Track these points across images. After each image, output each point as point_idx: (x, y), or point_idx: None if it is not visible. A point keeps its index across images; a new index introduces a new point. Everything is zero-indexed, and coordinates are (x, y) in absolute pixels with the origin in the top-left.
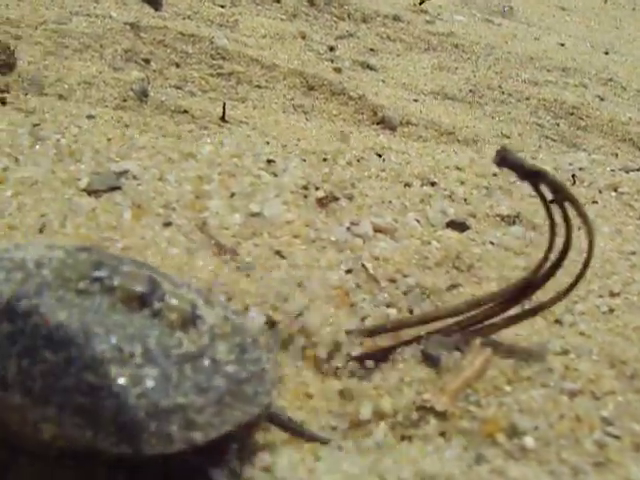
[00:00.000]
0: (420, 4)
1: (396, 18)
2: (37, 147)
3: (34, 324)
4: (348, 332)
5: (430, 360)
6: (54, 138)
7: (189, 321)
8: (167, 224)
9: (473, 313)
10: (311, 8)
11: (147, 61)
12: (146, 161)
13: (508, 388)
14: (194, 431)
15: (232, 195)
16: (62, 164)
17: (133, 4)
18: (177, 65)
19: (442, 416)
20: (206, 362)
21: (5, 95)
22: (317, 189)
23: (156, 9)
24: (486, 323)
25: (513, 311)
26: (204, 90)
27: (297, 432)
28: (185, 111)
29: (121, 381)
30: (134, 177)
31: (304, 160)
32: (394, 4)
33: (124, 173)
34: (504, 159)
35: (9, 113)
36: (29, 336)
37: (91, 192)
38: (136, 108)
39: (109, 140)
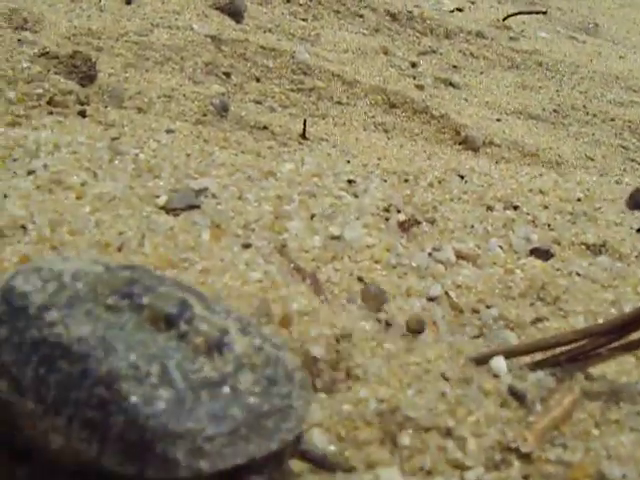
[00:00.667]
0: (504, 20)
1: (479, 34)
2: (116, 162)
3: (57, 334)
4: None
5: (516, 396)
6: (133, 153)
7: (215, 347)
8: (246, 245)
9: (581, 343)
10: (393, 23)
11: (227, 75)
12: (225, 179)
13: (596, 432)
14: (201, 459)
15: (312, 216)
16: (140, 180)
17: (214, 16)
18: (257, 79)
19: (527, 459)
20: (226, 390)
21: (85, 107)
22: (398, 212)
23: (237, 21)
24: (589, 354)
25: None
26: (284, 105)
27: (330, 469)
28: (265, 127)
29: (133, 399)
30: (213, 195)
31: (385, 180)
32: (477, 20)
33: (203, 191)
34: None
35: (89, 126)
36: (50, 345)
37: (169, 210)
38: (216, 123)
39: (188, 156)
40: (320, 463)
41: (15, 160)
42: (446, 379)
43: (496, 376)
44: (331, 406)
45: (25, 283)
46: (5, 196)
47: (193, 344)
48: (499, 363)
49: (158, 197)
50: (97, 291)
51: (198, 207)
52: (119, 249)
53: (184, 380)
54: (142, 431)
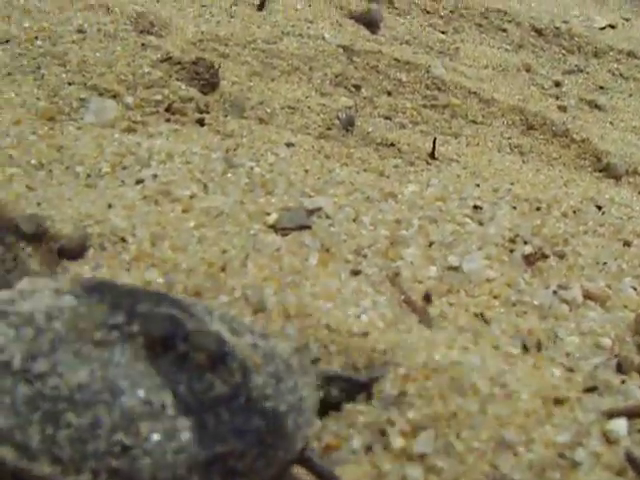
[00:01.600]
0: None
1: (631, 54)
2: (229, 174)
3: (53, 386)
4: None
5: (633, 464)
6: (248, 166)
7: (218, 359)
8: (356, 272)
9: None
10: (539, 39)
11: (357, 87)
12: (342, 199)
13: None
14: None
15: (430, 244)
16: (252, 195)
17: (349, 26)
18: (389, 93)
19: None
20: (242, 401)
21: (204, 115)
22: (525, 243)
23: (372, 32)
24: None
25: None
26: (415, 122)
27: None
28: (392, 144)
29: (155, 437)
30: (327, 216)
31: (514, 208)
32: (631, 38)
33: (317, 211)
34: None
35: (206, 135)
36: (49, 399)
37: (279, 229)
38: (340, 138)
39: (306, 172)
40: (315, 471)
41: (125, 168)
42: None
43: (614, 439)
44: None
45: None
46: (109, 206)
47: (196, 362)
48: (619, 424)
49: (268, 215)
50: (79, 328)
51: (309, 228)
52: (222, 269)
53: (200, 403)
54: (173, 468)
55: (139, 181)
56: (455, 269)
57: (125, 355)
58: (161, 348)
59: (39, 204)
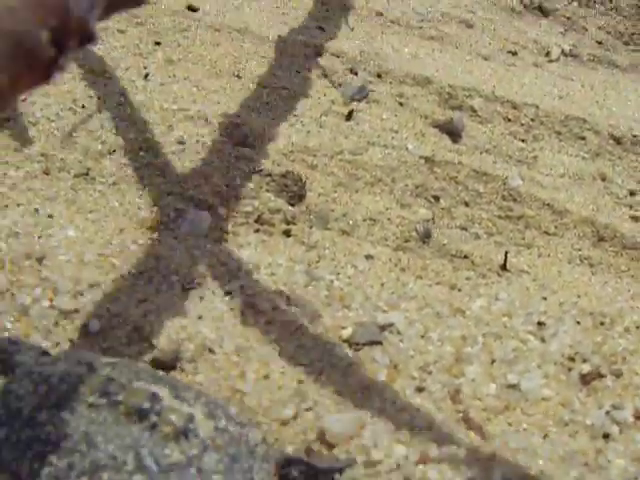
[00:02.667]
0: None
1: None
2: (310, 287)
3: (47, 432)
4: None
5: None
6: (328, 279)
7: (181, 433)
8: (420, 389)
9: None
10: (616, 147)
11: (436, 198)
12: (413, 314)
13: None
14: None
15: (493, 361)
16: (330, 309)
17: (431, 135)
18: (466, 204)
19: None
20: (192, 471)
21: (291, 227)
22: (584, 362)
23: (454, 141)
24: None
25: None
26: (490, 233)
27: None
28: (466, 256)
29: None
30: (398, 332)
31: (578, 322)
32: None
33: (388, 326)
34: None
35: (291, 247)
36: (43, 442)
37: (352, 344)
38: (416, 250)
39: (382, 285)
40: None
41: (215, 278)
42: None
43: None
44: None
45: (19, 388)
46: (200, 317)
47: (163, 432)
48: None
49: (344, 329)
50: (80, 391)
51: (380, 343)
52: (300, 381)
53: (156, 465)
54: None
55: (228, 292)
56: (513, 387)
57: (108, 418)
58: (137, 417)
59: (145, 315)
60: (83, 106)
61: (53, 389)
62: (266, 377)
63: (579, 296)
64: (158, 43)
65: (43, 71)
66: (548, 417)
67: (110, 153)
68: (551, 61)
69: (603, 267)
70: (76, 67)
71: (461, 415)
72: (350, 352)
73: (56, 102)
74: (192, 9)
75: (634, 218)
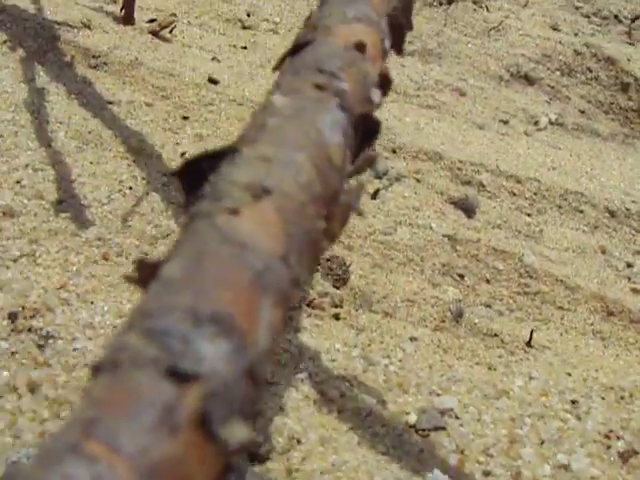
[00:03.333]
0: None
1: None
2: (369, 372)
3: None
4: None
5: None
6: (383, 363)
7: None
8: (487, 473)
9: None
10: (612, 220)
11: (461, 276)
12: (465, 397)
13: None
14: None
15: (542, 442)
16: (391, 394)
17: (450, 213)
18: (488, 281)
19: None
20: None
21: (339, 310)
22: (618, 439)
23: (469, 217)
24: None
25: None
26: (511, 309)
27: None
28: (495, 334)
29: None
30: (456, 416)
31: (603, 398)
32: None
33: (448, 411)
34: None
35: (342, 330)
36: None
37: (419, 430)
38: (452, 330)
39: (430, 368)
40: None
41: (284, 366)
42: None
43: None
44: None
45: None
46: (281, 409)
47: None
48: None
49: (408, 414)
50: None
51: (444, 428)
52: (385, 469)
53: None
54: None
55: (298, 380)
56: (565, 467)
57: None
58: None
59: None
60: (130, 188)
61: None
62: (355, 469)
63: (597, 370)
64: (186, 117)
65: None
66: None
67: (164, 237)
68: (539, 130)
69: (614, 340)
70: (114, 144)
71: None
72: (418, 438)
73: (104, 184)
74: (213, 81)
75: (634, 290)
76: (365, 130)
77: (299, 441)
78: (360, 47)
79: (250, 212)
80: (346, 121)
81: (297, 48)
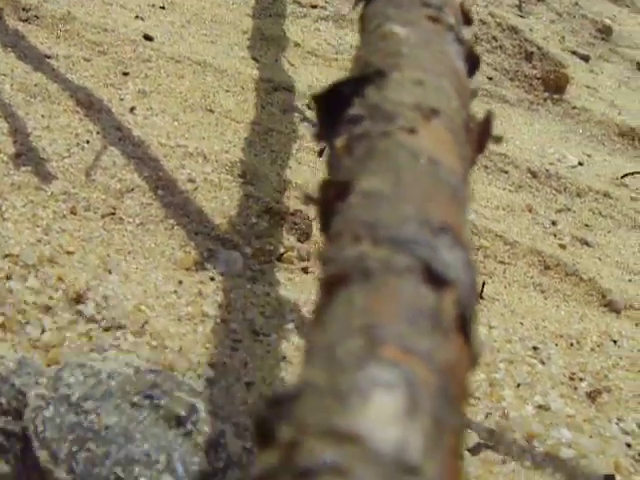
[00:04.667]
0: (621, 178)
1: (606, 194)
2: None
3: (90, 420)
4: None
5: None
6: None
7: (212, 446)
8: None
9: None
10: (534, 180)
11: None
12: None
13: None
14: None
15: (518, 385)
16: None
17: None
18: None
19: None
20: (220, 477)
21: (307, 264)
22: (581, 380)
23: None
24: None
25: None
26: None
27: None
28: None
29: (142, 479)
30: None
31: (556, 345)
32: (600, 176)
33: None
34: None
35: (313, 283)
36: (84, 429)
37: None
38: None
39: None
40: None
41: (269, 317)
42: None
43: None
44: None
45: (70, 376)
46: (284, 358)
47: (195, 441)
48: None
49: None
50: (126, 390)
51: None
52: None
53: (184, 470)
54: None
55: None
56: (544, 408)
57: (148, 418)
58: (175, 423)
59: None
60: (88, 141)
61: (101, 383)
62: None
63: (543, 320)
64: (126, 74)
65: None
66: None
67: (129, 191)
68: None
69: (552, 292)
70: (62, 98)
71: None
72: None
73: (60, 137)
74: (148, 38)
75: (561, 246)
76: (470, 62)
77: None
78: None
79: (426, 131)
80: (462, 52)
81: None
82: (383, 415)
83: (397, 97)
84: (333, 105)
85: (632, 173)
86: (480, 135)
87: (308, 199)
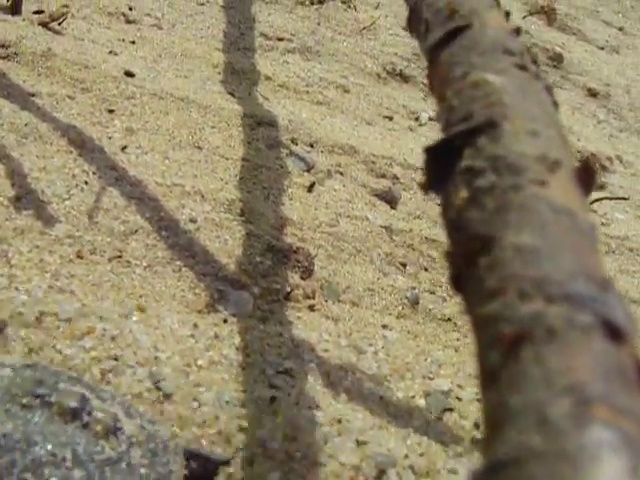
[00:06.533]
0: (590, 204)
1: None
2: (362, 361)
3: None
4: None
5: None
6: (370, 351)
7: (111, 431)
8: None
9: None
10: None
11: (404, 265)
12: (454, 379)
13: None
14: None
15: None
16: (393, 379)
17: (378, 204)
18: (426, 269)
19: None
20: (123, 465)
21: (313, 301)
22: None
23: (393, 207)
24: None
25: None
26: (450, 295)
27: None
28: (449, 319)
29: None
30: (457, 398)
31: None
32: None
33: (447, 393)
34: None
35: (321, 321)
36: None
37: (431, 412)
38: (412, 316)
39: (413, 353)
40: None
41: (286, 358)
42: None
43: None
44: None
45: None
46: (296, 403)
47: (94, 431)
48: None
49: (413, 398)
50: (12, 392)
51: (452, 410)
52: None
53: (91, 461)
54: None
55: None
56: None
57: (42, 418)
58: (70, 417)
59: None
60: (86, 182)
61: None
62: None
63: None
64: (111, 111)
65: None
66: None
67: (134, 233)
68: (421, 125)
69: None
70: (54, 138)
71: None
72: (432, 418)
73: (58, 178)
74: (129, 74)
75: None
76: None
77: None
78: (517, 32)
79: (554, 182)
80: (552, 100)
81: (456, 31)
82: (615, 477)
83: (518, 149)
84: (442, 156)
85: (600, 199)
86: (586, 180)
87: (446, 255)
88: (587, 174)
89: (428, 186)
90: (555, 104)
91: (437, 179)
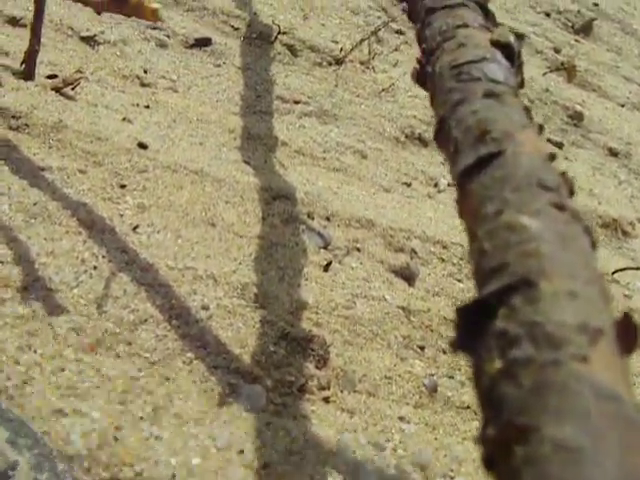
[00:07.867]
0: (612, 274)
1: None
2: (382, 458)
3: None
4: None
5: None
6: (389, 447)
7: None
8: None
9: None
10: None
11: (422, 348)
12: (475, 477)
13: None
14: None
15: None
16: (405, 474)
17: (395, 282)
18: (444, 352)
19: None
20: None
21: (327, 393)
22: None
23: (410, 284)
24: None
25: None
26: (470, 379)
27: None
28: (467, 406)
29: None
30: None
31: None
32: None
33: None
34: None
35: (336, 415)
36: None
37: None
38: (430, 405)
39: (432, 448)
40: None
41: (306, 460)
42: None
43: None
44: None
45: None
46: None
47: None
48: None
49: None
50: None
51: None
52: None
53: None
54: None
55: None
56: None
57: None
58: None
59: None
60: (95, 267)
61: None
62: None
63: None
64: (123, 186)
65: None
66: None
67: (143, 322)
68: (440, 192)
69: None
70: (63, 218)
71: None
72: None
73: (66, 263)
74: (142, 146)
75: None
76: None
77: None
78: (552, 157)
79: (596, 357)
80: (591, 245)
81: (486, 158)
82: None
83: (558, 316)
84: (475, 313)
85: (623, 269)
86: (628, 340)
87: (479, 438)
88: (629, 333)
89: (458, 345)
90: (594, 245)
91: (468, 337)
